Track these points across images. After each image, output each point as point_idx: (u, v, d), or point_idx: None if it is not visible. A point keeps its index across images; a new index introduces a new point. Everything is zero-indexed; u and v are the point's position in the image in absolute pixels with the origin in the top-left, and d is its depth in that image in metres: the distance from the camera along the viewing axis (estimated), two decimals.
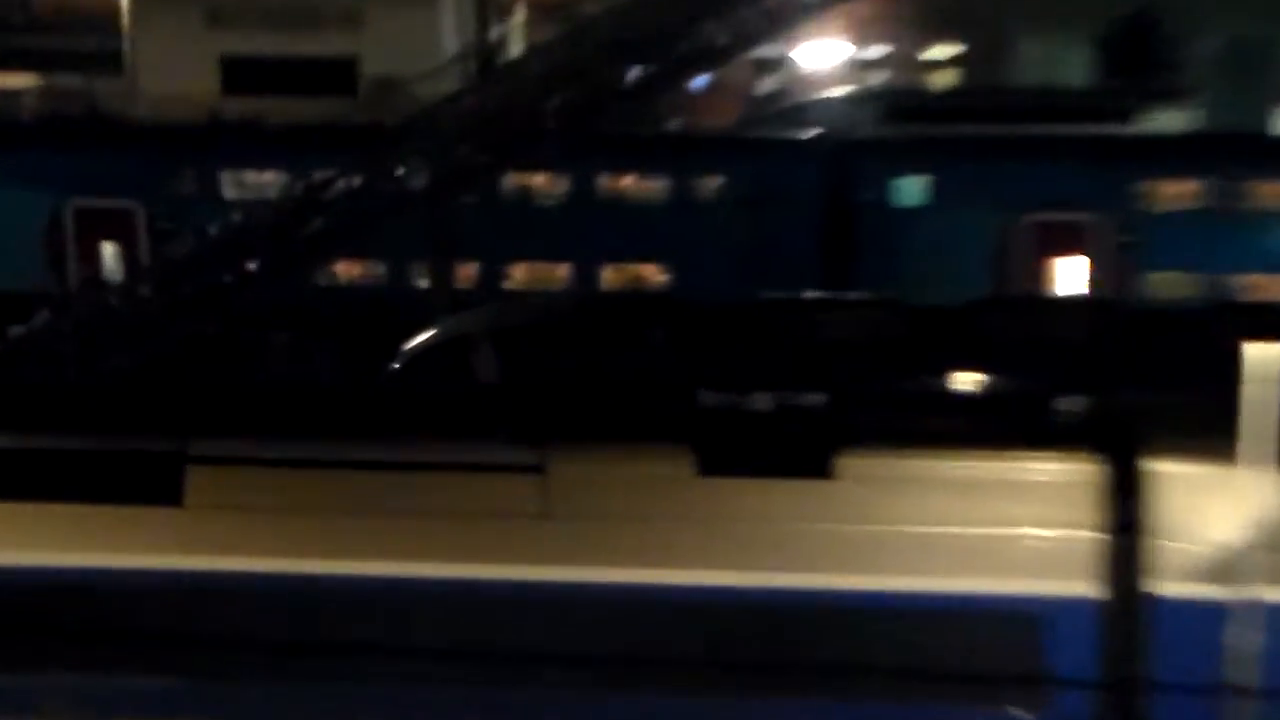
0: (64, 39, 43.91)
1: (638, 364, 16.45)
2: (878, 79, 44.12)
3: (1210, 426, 10.36)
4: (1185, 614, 10.33)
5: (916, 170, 29.22)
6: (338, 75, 37.02)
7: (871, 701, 10.59)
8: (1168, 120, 32.28)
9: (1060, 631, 10.52)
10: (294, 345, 19.81)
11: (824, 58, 45.03)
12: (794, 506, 10.77)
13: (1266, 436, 10.15)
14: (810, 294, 23.15)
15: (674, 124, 34.34)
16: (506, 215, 29.03)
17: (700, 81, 34.53)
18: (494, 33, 33.25)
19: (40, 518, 11.23)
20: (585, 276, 29.22)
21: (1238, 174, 28.66)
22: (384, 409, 12.43)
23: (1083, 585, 10.50)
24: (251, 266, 19.64)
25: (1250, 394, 10.08)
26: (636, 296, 28.34)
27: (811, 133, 30.44)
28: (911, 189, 29.39)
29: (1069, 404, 11.15)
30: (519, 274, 29.66)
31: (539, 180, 29.76)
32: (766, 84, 46.06)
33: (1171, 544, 10.40)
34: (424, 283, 27.95)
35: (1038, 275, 28.30)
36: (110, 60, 40.44)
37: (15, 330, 18.64)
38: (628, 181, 30.10)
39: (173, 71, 36.84)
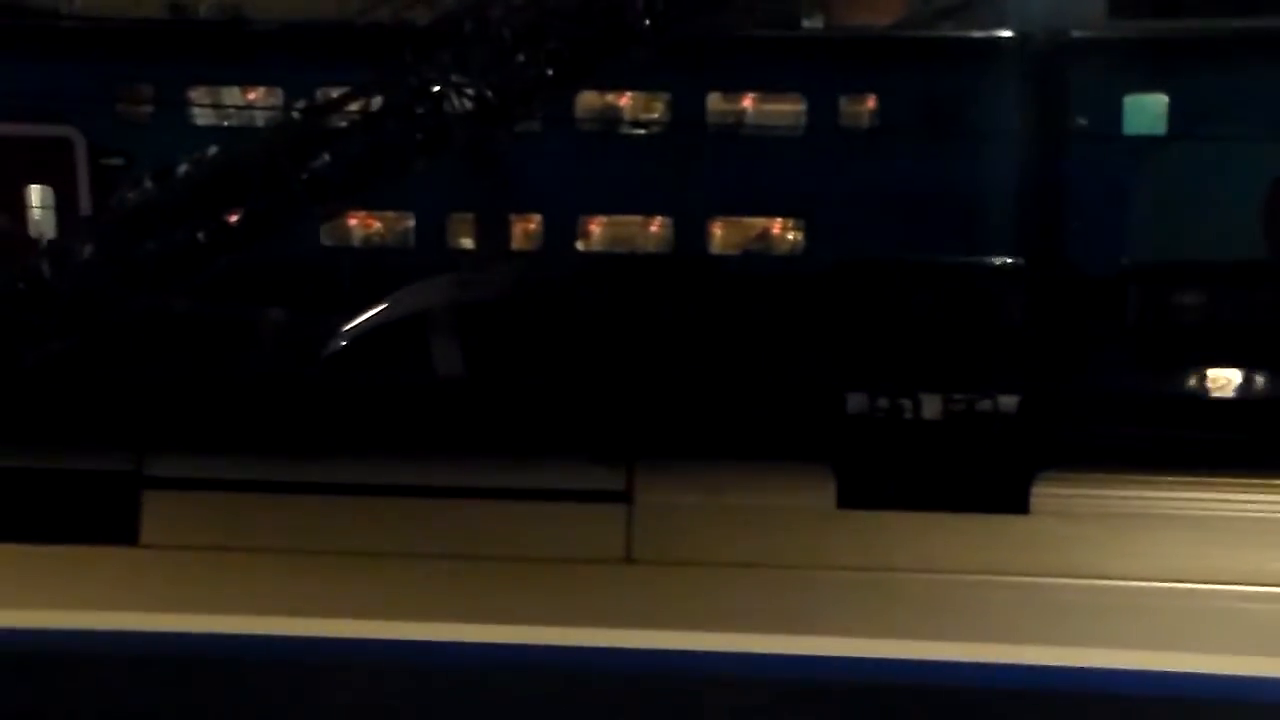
0: None
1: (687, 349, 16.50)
2: None
3: None
4: None
5: (1159, 85, 29.00)
6: None
7: None
8: None
9: None
10: (291, 327, 20.07)
11: None
12: (975, 550, 10.92)
13: None
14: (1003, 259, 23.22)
15: (810, 23, 34.29)
16: (580, 150, 29.22)
17: None
18: None
19: None
20: (686, 233, 29.34)
21: None
22: (405, 414, 12.70)
23: None
24: (233, 219, 19.97)
25: None
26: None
27: (1007, 32, 30.31)
28: (1152, 110, 29.14)
29: None
30: (596, 231, 29.84)
31: (624, 102, 29.95)
32: None
33: None
34: (466, 242, 28.23)
35: None
36: None
37: None
38: (746, 103, 30.21)
39: None
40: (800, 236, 29.47)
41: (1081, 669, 10.90)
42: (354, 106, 20.39)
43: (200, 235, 19.95)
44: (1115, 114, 29.18)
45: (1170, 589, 10.92)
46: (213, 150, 20.93)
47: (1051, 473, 11.12)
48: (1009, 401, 12.43)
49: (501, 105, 20.64)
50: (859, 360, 16.61)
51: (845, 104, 29.79)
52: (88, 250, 20.50)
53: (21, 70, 30.07)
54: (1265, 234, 27.72)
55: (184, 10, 33.24)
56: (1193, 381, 16.99)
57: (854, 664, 11.07)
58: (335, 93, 21.40)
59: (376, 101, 20.25)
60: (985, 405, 12.25)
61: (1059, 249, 26.96)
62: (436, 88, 20.12)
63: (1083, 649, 10.92)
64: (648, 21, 20.26)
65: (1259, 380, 18.59)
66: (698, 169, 29.20)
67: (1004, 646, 11.05)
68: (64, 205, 29.74)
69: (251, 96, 29.69)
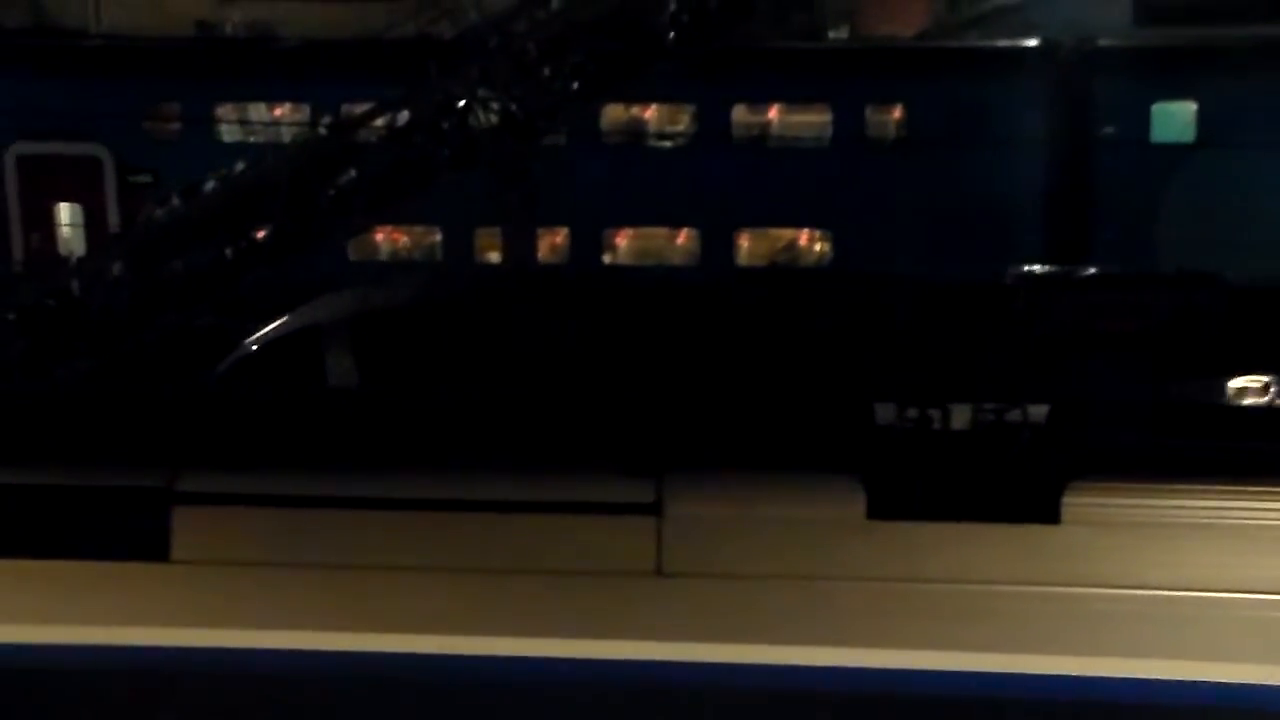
0: None
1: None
2: None
3: None
4: None
5: (1191, 94, 28.98)
6: None
7: None
8: None
9: None
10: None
11: None
12: (1005, 560, 10.90)
13: None
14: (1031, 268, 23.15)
15: (837, 34, 34.32)
16: (609, 162, 29.26)
17: None
18: None
19: None
20: (713, 246, 29.39)
21: None
22: (436, 429, 12.70)
23: None
24: (260, 236, 20.04)
25: None
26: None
27: (1036, 41, 30.31)
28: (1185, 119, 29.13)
29: None
30: (625, 244, 29.90)
31: (653, 114, 29.99)
32: None
33: None
34: (494, 256, 28.28)
35: None
36: None
37: None
38: (774, 114, 30.24)
39: None
40: (828, 247, 29.51)
41: (1115, 679, 10.83)
42: (380, 122, 20.45)
43: (228, 252, 20.03)
44: (1143, 122, 29.21)
45: (1205, 598, 10.86)
46: (240, 167, 21.00)
47: (1082, 482, 11.04)
48: (1039, 411, 12.38)
49: (527, 119, 20.68)
50: (888, 371, 16.56)
51: (871, 113, 29.87)
52: (117, 267, 20.60)
53: (50, 89, 30.22)
54: None
55: (211, 28, 33.42)
56: (1227, 389, 16.90)
57: (886, 675, 11.02)
58: (361, 108, 21.44)
59: (403, 117, 20.30)
60: (1015, 415, 12.22)
61: (1088, 257, 26.96)
62: (462, 102, 20.17)
63: (1116, 659, 10.85)
64: (673, 34, 20.31)
65: None
66: (725, 180, 29.28)
67: (1036, 657, 11.00)
68: (93, 223, 29.88)
69: (278, 113, 29.80)
